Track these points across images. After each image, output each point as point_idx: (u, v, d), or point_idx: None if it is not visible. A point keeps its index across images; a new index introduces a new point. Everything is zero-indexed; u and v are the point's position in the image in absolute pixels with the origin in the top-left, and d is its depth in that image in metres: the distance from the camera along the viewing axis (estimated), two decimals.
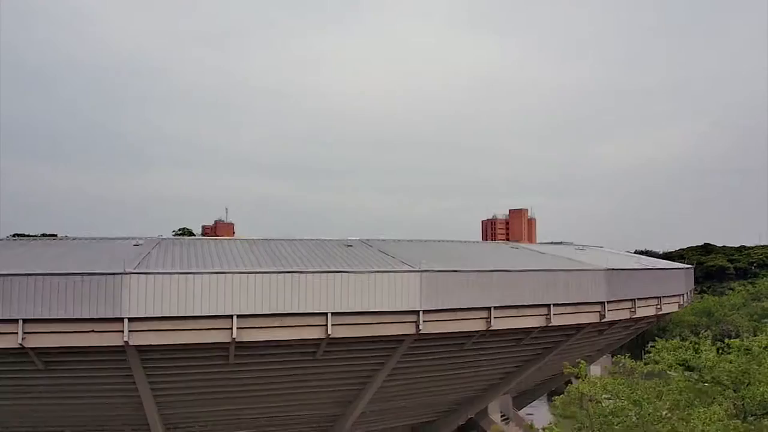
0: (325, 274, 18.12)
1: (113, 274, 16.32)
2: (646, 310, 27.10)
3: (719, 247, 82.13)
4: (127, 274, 16.33)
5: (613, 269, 23.94)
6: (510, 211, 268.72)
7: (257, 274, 17.51)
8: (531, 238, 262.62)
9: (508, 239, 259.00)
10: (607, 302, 23.49)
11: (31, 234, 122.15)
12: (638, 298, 25.87)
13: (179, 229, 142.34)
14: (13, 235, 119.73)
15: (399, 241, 25.65)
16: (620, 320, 25.43)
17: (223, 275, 17.23)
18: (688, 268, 31.52)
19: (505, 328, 20.92)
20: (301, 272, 17.94)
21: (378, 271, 18.71)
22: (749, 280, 61.10)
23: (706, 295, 56.98)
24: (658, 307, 27.77)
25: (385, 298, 18.57)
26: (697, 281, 68.07)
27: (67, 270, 16.46)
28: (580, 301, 22.79)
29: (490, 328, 20.24)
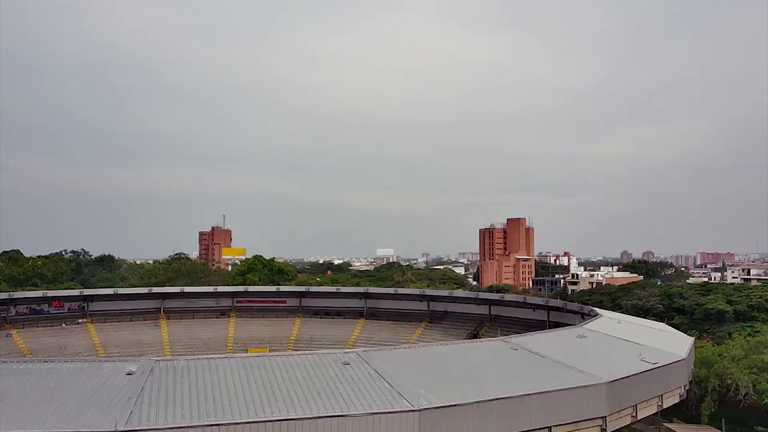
0: (321, 419, 17.72)
1: None
2: (647, 411, 26.74)
3: (717, 284, 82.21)
4: None
5: (614, 381, 23.49)
6: (508, 220, 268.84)
7: (252, 424, 17.11)
8: (529, 248, 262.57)
9: (505, 248, 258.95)
10: (609, 415, 23.17)
11: (26, 254, 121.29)
12: (639, 402, 25.54)
13: (176, 254, 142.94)
14: (10, 251, 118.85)
15: (397, 348, 25.14)
16: (622, 427, 25.05)
17: (218, 427, 16.81)
18: (686, 358, 30.86)
19: None
20: (297, 419, 17.55)
21: (375, 413, 18.28)
22: (748, 324, 60.70)
23: (704, 341, 56.52)
24: (660, 404, 27.41)
25: None
26: (695, 323, 68.29)
27: (58, 427, 16.09)
28: (581, 419, 22.45)
29: None
